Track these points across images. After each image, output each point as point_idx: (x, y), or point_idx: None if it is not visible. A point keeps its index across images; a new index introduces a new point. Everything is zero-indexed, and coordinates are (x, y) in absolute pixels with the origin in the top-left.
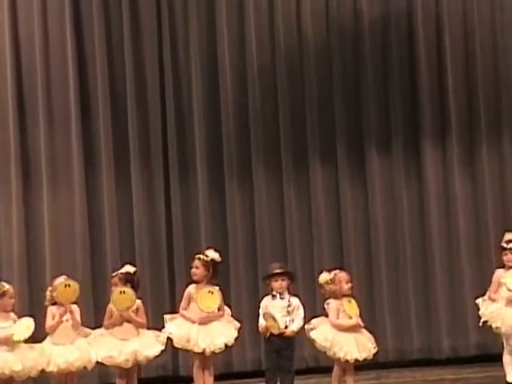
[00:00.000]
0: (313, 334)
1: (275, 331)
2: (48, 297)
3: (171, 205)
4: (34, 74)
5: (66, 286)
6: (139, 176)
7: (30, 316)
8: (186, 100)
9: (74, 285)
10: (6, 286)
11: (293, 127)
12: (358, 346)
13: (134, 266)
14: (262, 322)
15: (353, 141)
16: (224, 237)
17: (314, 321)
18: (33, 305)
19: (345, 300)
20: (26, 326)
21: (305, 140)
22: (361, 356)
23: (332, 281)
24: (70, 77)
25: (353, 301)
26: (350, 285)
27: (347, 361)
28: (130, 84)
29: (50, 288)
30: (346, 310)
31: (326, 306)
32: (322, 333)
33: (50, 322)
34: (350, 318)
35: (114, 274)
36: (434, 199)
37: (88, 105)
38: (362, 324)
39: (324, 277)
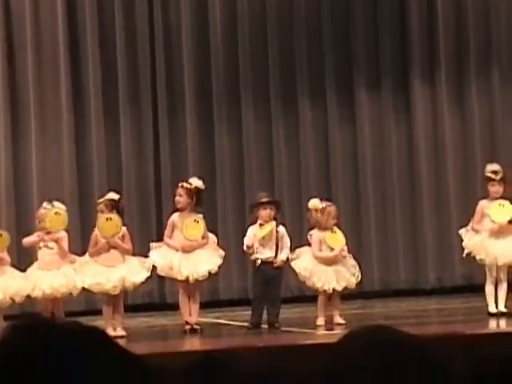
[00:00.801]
0: (293, 264)
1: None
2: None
3: (159, 139)
4: (23, 14)
5: (55, 213)
6: (128, 110)
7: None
8: (175, 36)
9: (64, 213)
10: None
11: (282, 65)
12: (336, 277)
13: (119, 193)
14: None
15: (342, 80)
16: (212, 168)
17: (297, 250)
18: (19, 232)
19: (327, 232)
20: None
21: (294, 79)
22: (340, 285)
23: (321, 211)
24: (59, 19)
25: (338, 232)
26: (335, 221)
27: (325, 291)
28: (118, 23)
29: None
30: (328, 241)
31: (308, 237)
32: (303, 263)
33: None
34: (332, 249)
35: (99, 201)
36: (423, 135)
37: (77, 42)
38: (344, 255)
39: (315, 203)
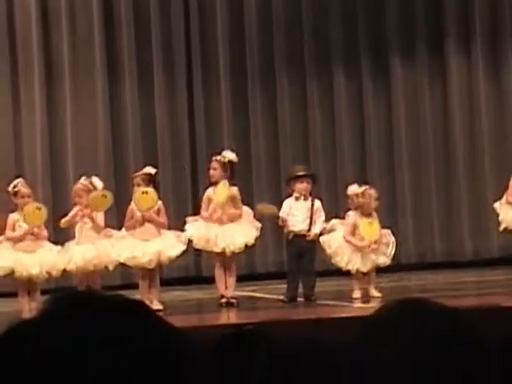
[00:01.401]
0: (321, 239)
1: (269, 213)
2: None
3: (194, 109)
4: None
5: (103, 195)
6: (162, 77)
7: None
8: (210, 3)
9: (110, 196)
10: (19, 185)
11: (316, 33)
12: (362, 259)
13: (155, 167)
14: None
15: (376, 47)
16: (246, 139)
17: (331, 223)
18: (56, 205)
19: (366, 220)
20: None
21: (328, 46)
22: (365, 267)
23: (362, 195)
24: None
25: (375, 223)
26: (377, 203)
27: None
28: None
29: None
30: (362, 230)
31: (346, 216)
32: (329, 240)
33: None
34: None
35: (135, 175)
36: (458, 103)
37: (111, 3)
38: (374, 247)
39: (354, 188)
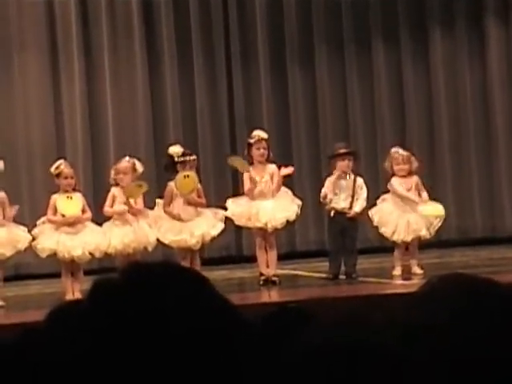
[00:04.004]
0: (371, 210)
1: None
2: (112, 177)
3: (233, 89)
4: None
5: (139, 186)
6: (201, 63)
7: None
8: None
9: (145, 186)
10: (61, 166)
11: (355, 9)
12: (407, 227)
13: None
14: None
15: (415, 21)
16: (286, 119)
17: (382, 197)
18: (97, 186)
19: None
20: None
21: (367, 22)
22: (408, 237)
23: (388, 159)
24: None
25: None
26: (402, 166)
27: (399, 241)
28: None
29: (114, 168)
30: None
31: (389, 187)
32: (378, 211)
33: (108, 206)
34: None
35: (179, 160)
36: (498, 78)
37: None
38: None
39: (396, 150)
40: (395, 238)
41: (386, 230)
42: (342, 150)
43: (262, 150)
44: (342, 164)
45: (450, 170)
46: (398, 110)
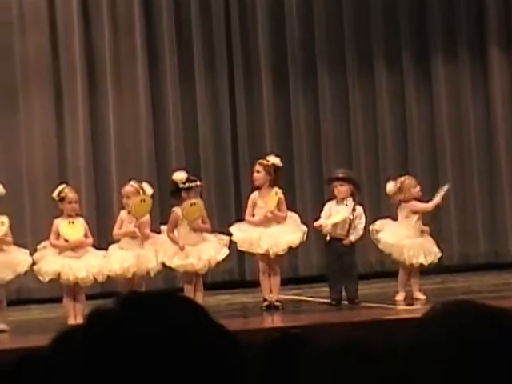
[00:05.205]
0: (377, 236)
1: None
2: (124, 200)
3: (236, 112)
4: None
5: (141, 200)
6: (203, 83)
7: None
8: (250, 3)
9: (149, 199)
10: (65, 191)
11: (357, 32)
12: (423, 250)
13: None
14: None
15: (418, 46)
16: (289, 142)
17: (378, 222)
18: (99, 211)
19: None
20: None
21: (370, 46)
22: (426, 260)
23: (400, 190)
24: None
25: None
26: (418, 188)
27: (412, 265)
28: None
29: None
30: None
31: (398, 212)
32: (388, 234)
33: (117, 228)
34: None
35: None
36: (501, 104)
37: (151, 9)
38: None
39: (390, 187)
40: (414, 261)
41: (396, 257)
42: (341, 175)
43: (255, 174)
44: (341, 189)
45: (452, 196)
46: (400, 136)
